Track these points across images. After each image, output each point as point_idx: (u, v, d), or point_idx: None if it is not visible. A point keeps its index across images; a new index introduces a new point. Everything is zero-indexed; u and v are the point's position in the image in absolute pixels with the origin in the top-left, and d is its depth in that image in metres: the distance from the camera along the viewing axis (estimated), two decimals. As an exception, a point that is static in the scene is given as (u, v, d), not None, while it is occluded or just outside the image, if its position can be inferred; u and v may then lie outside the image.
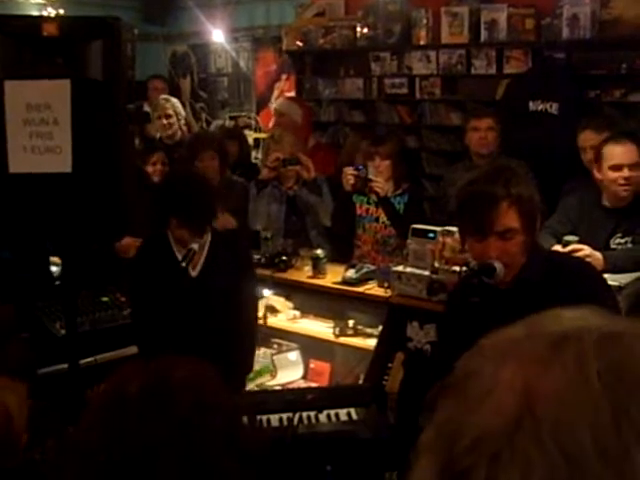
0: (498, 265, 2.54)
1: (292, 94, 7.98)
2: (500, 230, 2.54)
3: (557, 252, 3.18)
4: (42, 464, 2.52)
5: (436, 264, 3.95)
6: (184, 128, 6.86)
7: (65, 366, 3.86)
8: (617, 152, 3.99)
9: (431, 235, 4.05)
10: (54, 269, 5.52)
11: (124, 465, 1.07)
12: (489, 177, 2.58)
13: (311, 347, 4.90)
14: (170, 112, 6.64)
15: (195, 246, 3.34)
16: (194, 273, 3.66)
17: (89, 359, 4.18)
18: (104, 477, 1.10)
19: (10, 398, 2.27)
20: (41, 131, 3.05)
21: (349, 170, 5.08)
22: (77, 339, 3.53)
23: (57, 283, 5.12)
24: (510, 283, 2.64)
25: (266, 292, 5.01)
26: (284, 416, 3.21)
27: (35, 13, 7.66)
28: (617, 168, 3.98)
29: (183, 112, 7.01)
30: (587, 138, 4.48)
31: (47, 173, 3.05)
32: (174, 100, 6.94)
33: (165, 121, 6.61)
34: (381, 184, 4.98)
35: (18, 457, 2.26)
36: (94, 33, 3.05)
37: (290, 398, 3.32)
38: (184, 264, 3.21)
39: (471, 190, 2.62)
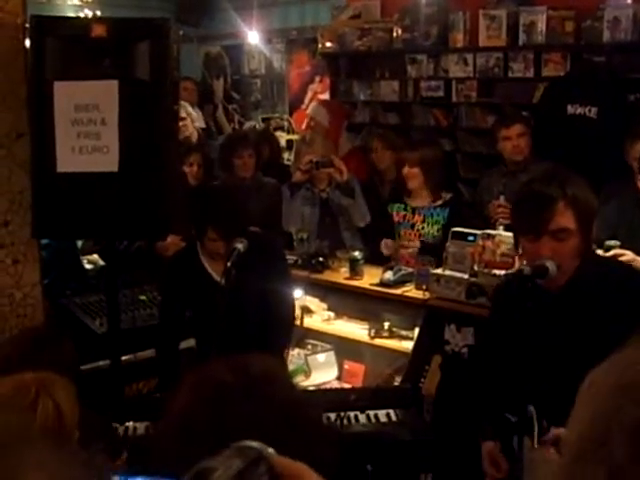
0: (551, 265, 2.51)
1: (326, 96, 7.99)
2: (554, 229, 2.53)
3: (606, 258, 3.16)
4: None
5: (475, 267, 3.95)
6: (199, 130, 6.86)
7: (104, 363, 3.92)
8: None
9: (471, 238, 4.04)
10: (88, 266, 5.60)
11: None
12: (545, 178, 2.59)
13: (345, 348, 4.91)
14: (182, 114, 6.59)
15: (240, 245, 3.34)
16: (223, 281, 3.60)
17: (128, 356, 4.22)
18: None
19: (60, 394, 2.28)
20: (89, 131, 3.09)
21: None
22: (120, 336, 3.57)
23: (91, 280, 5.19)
24: (562, 288, 2.63)
25: (301, 293, 5.02)
26: (328, 416, 3.22)
27: (71, 14, 7.75)
28: None
29: (195, 113, 7.00)
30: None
31: (94, 172, 3.10)
32: (184, 103, 6.89)
33: (180, 123, 6.53)
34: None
35: None
36: (142, 34, 3.10)
37: (334, 398, 3.33)
38: (229, 263, 3.21)
39: (527, 190, 2.64)
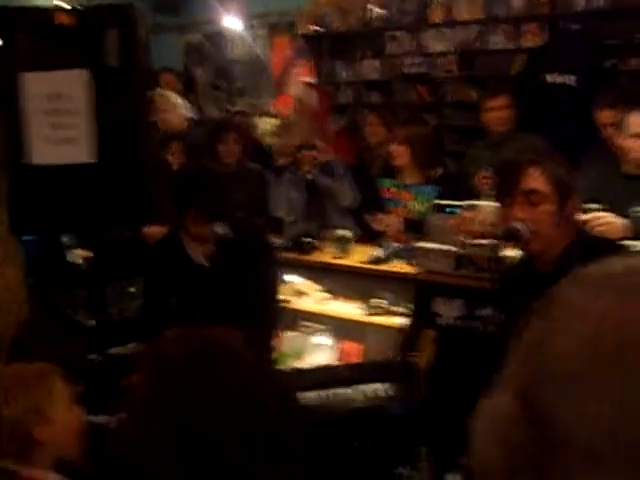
0: (522, 227, 2.58)
1: (309, 79, 7.95)
2: (526, 189, 2.58)
3: (598, 237, 3.18)
4: None
5: (462, 238, 3.93)
6: (188, 117, 6.80)
7: (94, 356, 3.91)
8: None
9: (449, 210, 4.04)
10: (79, 261, 5.57)
11: (188, 425, 1.08)
12: (522, 150, 2.69)
13: (342, 328, 4.89)
14: (165, 107, 6.49)
15: (220, 229, 3.32)
16: (207, 263, 3.58)
17: (118, 349, 4.21)
18: (170, 437, 1.11)
19: None
20: (63, 122, 3.07)
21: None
22: (108, 329, 3.55)
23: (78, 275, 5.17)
24: (551, 267, 2.65)
25: (293, 276, 5.00)
26: (318, 393, 3.22)
27: (44, 3, 7.66)
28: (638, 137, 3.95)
29: (181, 101, 6.92)
30: (605, 116, 4.44)
31: (70, 163, 3.08)
32: (168, 93, 6.81)
33: (162, 115, 6.45)
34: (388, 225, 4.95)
35: None
36: (109, 21, 3.07)
37: (326, 375, 3.33)
38: (211, 247, 3.20)
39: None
